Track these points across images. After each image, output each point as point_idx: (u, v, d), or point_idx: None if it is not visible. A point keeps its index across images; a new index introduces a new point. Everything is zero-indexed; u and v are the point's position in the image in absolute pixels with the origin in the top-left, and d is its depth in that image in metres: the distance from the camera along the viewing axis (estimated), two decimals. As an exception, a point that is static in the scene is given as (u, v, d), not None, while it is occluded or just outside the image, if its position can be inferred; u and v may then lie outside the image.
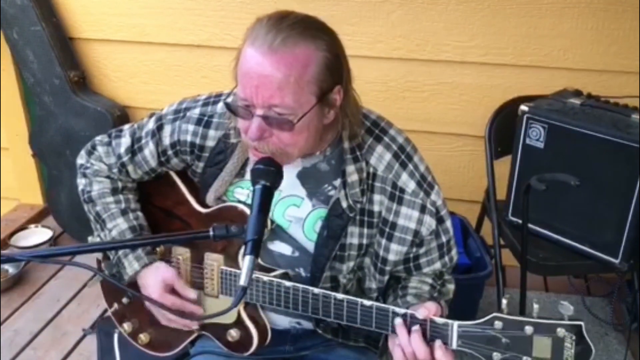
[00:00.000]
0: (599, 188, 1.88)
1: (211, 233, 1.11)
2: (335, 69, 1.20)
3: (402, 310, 1.18)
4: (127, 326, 1.49)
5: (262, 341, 1.35)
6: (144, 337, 1.48)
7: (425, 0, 2.35)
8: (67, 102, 2.66)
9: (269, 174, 1.17)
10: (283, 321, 1.40)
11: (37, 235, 2.87)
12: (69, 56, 2.66)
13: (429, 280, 1.37)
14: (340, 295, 1.22)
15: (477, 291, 2.20)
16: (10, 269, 2.61)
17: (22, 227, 2.90)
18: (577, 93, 2.11)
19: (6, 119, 2.92)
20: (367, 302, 1.20)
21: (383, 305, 1.20)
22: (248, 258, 1.06)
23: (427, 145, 2.48)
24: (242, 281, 1.05)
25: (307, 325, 1.39)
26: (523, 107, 1.99)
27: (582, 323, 1.07)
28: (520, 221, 1.98)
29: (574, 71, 2.33)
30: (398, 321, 1.17)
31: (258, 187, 1.15)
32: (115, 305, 1.50)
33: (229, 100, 1.24)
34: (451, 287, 1.41)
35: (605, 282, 2.46)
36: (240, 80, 1.19)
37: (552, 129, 1.94)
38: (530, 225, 1.95)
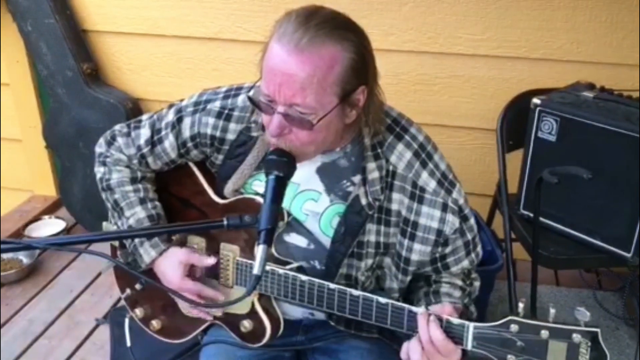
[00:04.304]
0: (612, 181, 1.87)
1: (225, 222, 1.12)
2: (361, 70, 1.19)
3: (418, 309, 1.19)
4: (139, 312, 1.50)
5: (275, 332, 1.36)
6: (155, 323, 1.49)
7: (437, -8, 2.35)
8: (80, 94, 2.67)
9: (281, 165, 1.18)
10: (296, 312, 1.41)
11: (51, 226, 2.90)
12: (82, 48, 2.67)
13: (459, 282, 1.38)
14: (356, 292, 1.23)
15: (488, 285, 2.20)
16: (24, 259, 2.64)
17: (36, 218, 2.93)
18: (590, 86, 2.10)
19: (20, 111, 2.94)
20: (382, 300, 1.21)
21: (399, 303, 1.21)
22: (261, 247, 1.07)
23: (439, 138, 2.43)
24: (256, 270, 1.06)
25: (320, 316, 1.40)
26: (535, 100, 1.98)
27: (598, 330, 1.07)
28: (531, 215, 1.98)
29: (587, 64, 2.31)
30: (421, 310, 1.18)
31: (271, 177, 1.16)
32: (128, 291, 1.50)
33: (252, 93, 1.25)
34: (477, 284, 1.42)
35: (616, 276, 2.44)
36: (264, 76, 1.18)
37: (564, 122, 1.93)
38: (541, 219, 1.95)
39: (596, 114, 1.89)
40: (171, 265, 1.37)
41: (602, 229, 1.95)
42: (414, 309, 1.20)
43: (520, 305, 1.11)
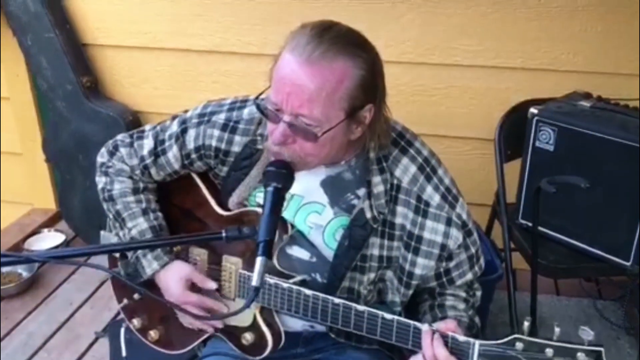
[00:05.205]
0: (610, 190, 1.88)
1: (224, 234, 1.12)
2: (370, 88, 1.20)
3: (422, 326, 1.20)
4: (136, 322, 1.50)
5: (276, 345, 1.36)
6: (153, 333, 1.49)
7: (435, 4, 2.36)
8: (80, 108, 2.68)
9: (280, 177, 1.18)
10: (296, 324, 1.41)
11: (50, 239, 2.90)
12: (82, 62, 2.69)
13: (463, 294, 1.39)
14: (361, 307, 1.23)
15: (488, 295, 2.19)
16: (23, 272, 2.63)
17: (36, 232, 2.93)
18: (587, 95, 2.11)
19: (20, 124, 2.95)
20: (388, 316, 1.21)
21: (404, 319, 1.21)
22: (260, 259, 1.07)
23: (437, 148, 2.43)
24: (255, 282, 1.06)
25: (320, 327, 1.39)
26: (533, 110, 1.99)
27: (602, 349, 1.08)
28: (530, 224, 1.98)
29: (583, 74, 2.33)
30: (425, 327, 1.18)
31: (270, 189, 1.17)
32: (126, 301, 1.50)
33: (260, 100, 1.26)
34: (479, 294, 1.43)
35: (616, 285, 2.44)
36: (274, 84, 1.20)
37: (562, 131, 1.94)
38: (540, 228, 1.95)
39: (593, 123, 1.90)
40: (173, 278, 1.38)
41: (601, 238, 1.95)
42: (419, 325, 1.20)
43: (526, 323, 1.12)
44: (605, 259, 1.95)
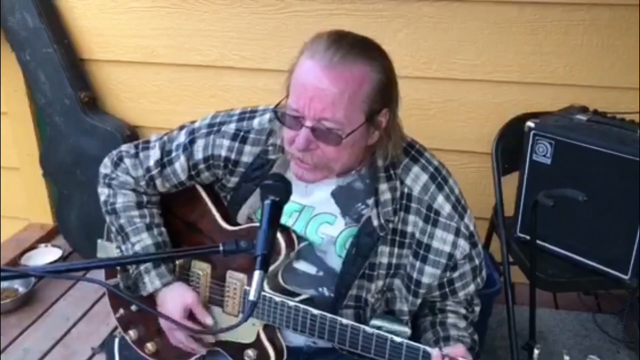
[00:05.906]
0: (607, 203, 1.88)
1: (221, 248, 1.11)
2: (387, 92, 1.23)
3: (432, 350, 1.20)
4: (133, 333, 1.48)
5: None
6: (150, 346, 1.47)
7: (431, 19, 2.37)
8: (78, 122, 2.69)
9: (277, 189, 1.18)
10: (298, 339, 1.40)
11: (47, 254, 2.88)
12: (79, 77, 2.69)
13: (463, 311, 1.39)
14: (369, 329, 1.23)
15: (486, 309, 2.18)
16: (20, 288, 2.62)
17: (32, 247, 2.92)
18: (584, 109, 2.12)
19: (17, 139, 2.95)
20: (397, 339, 1.21)
21: (413, 343, 1.21)
22: (257, 273, 1.07)
23: None
24: (252, 296, 1.05)
25: (323, 344, 1.39)
26: (529, 124, 2.00)
27: None
28: (528, 237, 1.98)
29: (580, 88, 2.34)
30: (436, 352, 1.19)
31: (267, 202, 1.16)
32: (122, 311, 1.48)
33: (277, 109, 1.27)
34: (478, 309, 1.43)
35: (616, 298, 2.43)
36: (294, 91, 1.21)
37: (558, 145, 1.94)
38: (538, 242, 1.94)
39: (589, 137, 1.90)
40: (174, 300, 1.37)
41: (599, 251, 1.95)
42: (429, 349, 1.20)
43: (536, 351, 1.13)
44: (603, 272, 1.95)
